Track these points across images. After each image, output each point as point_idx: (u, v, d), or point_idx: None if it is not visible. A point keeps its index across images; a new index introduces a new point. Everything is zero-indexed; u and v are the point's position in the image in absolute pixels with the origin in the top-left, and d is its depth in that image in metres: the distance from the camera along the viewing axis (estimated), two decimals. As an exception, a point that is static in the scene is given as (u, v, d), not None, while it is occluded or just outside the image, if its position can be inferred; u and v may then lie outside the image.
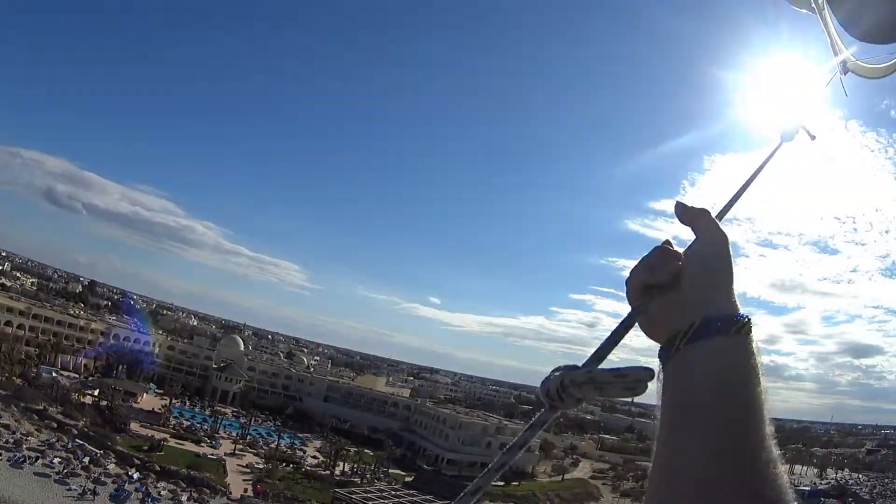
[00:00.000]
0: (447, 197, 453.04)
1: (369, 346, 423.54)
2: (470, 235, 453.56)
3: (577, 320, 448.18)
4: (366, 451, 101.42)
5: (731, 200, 1.74)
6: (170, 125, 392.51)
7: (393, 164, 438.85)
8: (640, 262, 1.48)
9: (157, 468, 70.36)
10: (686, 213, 1.53)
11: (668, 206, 1.46)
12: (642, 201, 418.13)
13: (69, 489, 62.10)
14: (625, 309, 1.42)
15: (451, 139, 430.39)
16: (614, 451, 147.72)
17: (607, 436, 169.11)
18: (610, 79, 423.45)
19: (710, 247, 1.43)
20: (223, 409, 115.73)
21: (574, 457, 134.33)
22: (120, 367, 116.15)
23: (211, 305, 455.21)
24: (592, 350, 1.28)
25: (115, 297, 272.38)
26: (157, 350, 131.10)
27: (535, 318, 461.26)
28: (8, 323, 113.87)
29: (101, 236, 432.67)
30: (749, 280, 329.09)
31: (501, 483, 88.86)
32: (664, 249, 1.49)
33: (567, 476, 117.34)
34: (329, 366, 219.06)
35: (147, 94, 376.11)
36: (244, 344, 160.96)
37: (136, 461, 71.26)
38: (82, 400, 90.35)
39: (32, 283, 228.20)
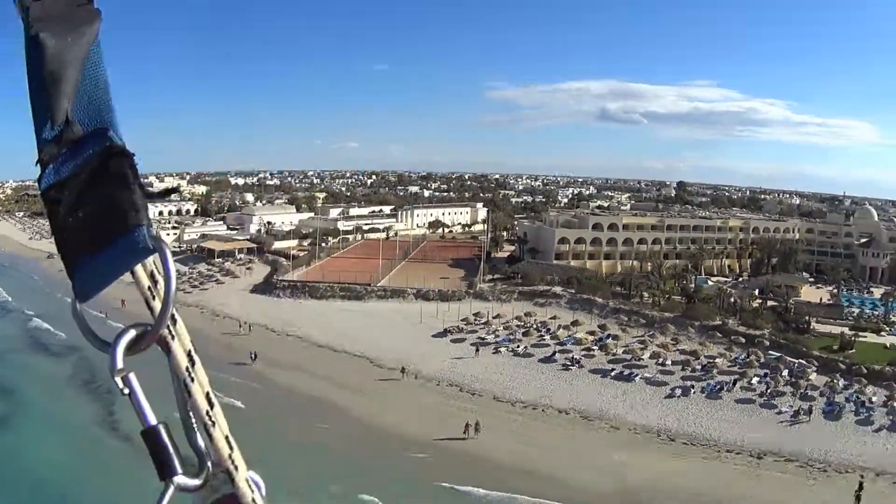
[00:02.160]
0: None
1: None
2: None
3: None
4: None
5: None
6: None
7: None
8: None
9: (864, 370, 63.03)
10: None
11: None
12: None
13: (779, 412, 56.55)
14: None
15: None
16: None
17: None
18: None
19: None
20: (874, 289, 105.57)
21: None
22: (769, 260, 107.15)
23: (794, 182, 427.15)
24: None
25: (708, 192, 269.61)
26: (796, 235, 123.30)
27: None
28: (642, 241, 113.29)
29: (669, 139, 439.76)
30: None
31: None
32: None
33: None
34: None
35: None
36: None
37: (842, 366, 64.72)
38: (753, 304, 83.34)
39: (628, 198, 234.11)
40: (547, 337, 73.67)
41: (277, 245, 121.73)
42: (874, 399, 57.59)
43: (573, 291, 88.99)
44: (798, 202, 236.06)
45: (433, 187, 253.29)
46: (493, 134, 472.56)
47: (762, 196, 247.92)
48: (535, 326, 77.24)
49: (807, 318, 78.32)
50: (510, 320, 78.74)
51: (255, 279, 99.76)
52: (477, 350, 69.46)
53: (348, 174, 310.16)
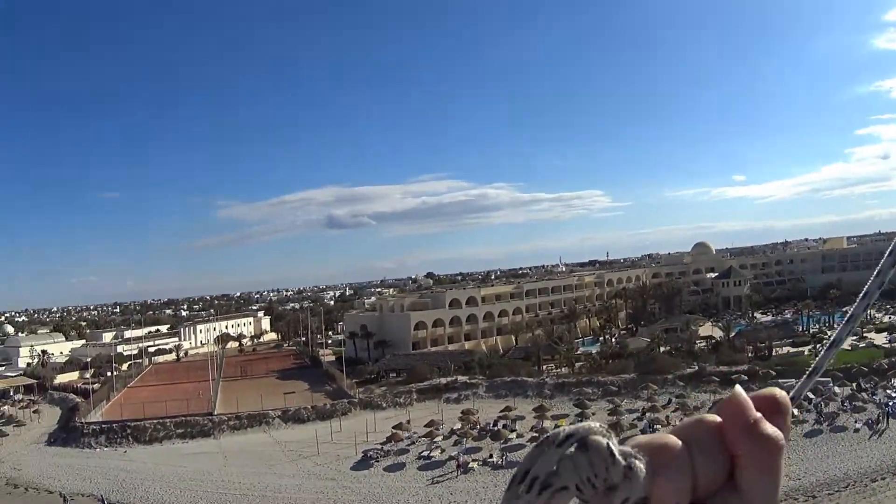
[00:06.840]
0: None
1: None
2: (741, 92, 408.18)
3: (872, 156, 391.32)
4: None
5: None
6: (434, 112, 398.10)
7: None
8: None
9: (885, 367, 64.68)
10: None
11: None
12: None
13: (856, 430, 52.57)
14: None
15: None
16: None
17: None
18: None
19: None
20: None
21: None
22: (646, 306, 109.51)
23: (529, 259, 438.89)
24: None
25: (458, 278, 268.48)
26: (647, 281, 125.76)
27: (835, 166, 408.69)
28: (502, 313, 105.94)
29: (397, 237, 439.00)
30: None
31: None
32: None
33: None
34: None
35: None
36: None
37: (864, 370, 64.24)
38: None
39: (395, 292, 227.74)
40: (513, 436, 56.82)
41: (60, 378, 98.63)
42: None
43: (484, 377, 76.08)
44: (564, 269, 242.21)
45: (184, 309, 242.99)
46: (219, 254, 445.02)
47: (519, 270, 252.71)
48: (492, 426, 59.52)
49: (766, 343, 76.76)
50: (440, 425, 60.22)
51: (48, 424, 75.87)
52: (458, 468, 51.38)
53: (92, 307, 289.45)
